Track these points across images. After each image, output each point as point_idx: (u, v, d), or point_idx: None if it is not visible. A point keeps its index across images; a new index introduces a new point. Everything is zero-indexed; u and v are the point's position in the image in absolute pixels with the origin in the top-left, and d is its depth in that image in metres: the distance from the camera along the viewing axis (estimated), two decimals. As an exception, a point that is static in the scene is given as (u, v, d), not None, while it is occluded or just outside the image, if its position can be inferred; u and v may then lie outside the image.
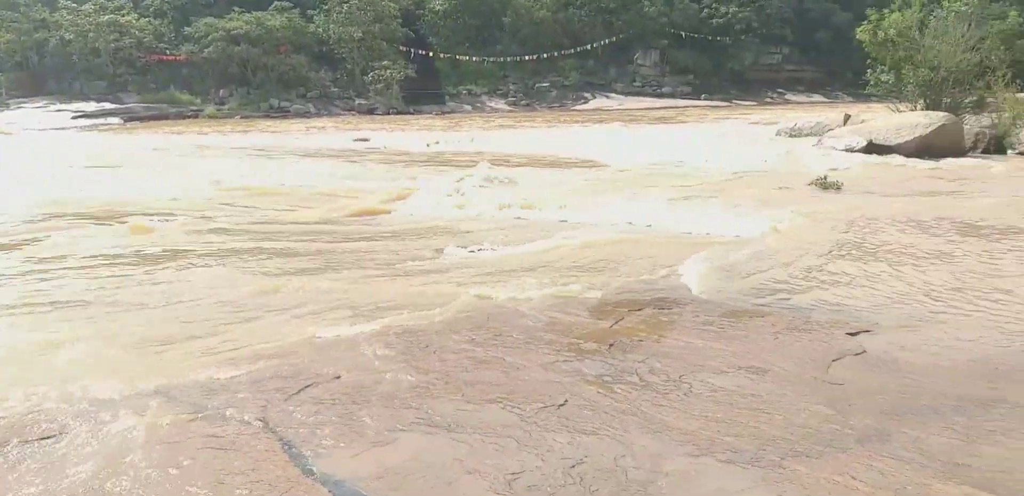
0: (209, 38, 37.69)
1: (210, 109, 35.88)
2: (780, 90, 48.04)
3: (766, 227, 7.16)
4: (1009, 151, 14.70)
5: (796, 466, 2.70)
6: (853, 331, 4.37)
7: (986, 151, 14.61)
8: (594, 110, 39.55)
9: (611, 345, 3.96)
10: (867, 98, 23.54)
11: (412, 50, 40.74)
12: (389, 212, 8.51)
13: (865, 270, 5.72)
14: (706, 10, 46.49)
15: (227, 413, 3.16)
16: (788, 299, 4.99)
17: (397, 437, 2.91)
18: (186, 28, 39.02)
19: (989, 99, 17.13)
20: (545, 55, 43.04)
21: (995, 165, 12.66)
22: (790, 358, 3.84)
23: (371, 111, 37.66)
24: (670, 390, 3.38)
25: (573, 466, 2.67)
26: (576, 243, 6.57)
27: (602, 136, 19.66)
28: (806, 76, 49.22)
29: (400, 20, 40.68)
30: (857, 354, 4.01)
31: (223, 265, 5.99)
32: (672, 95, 45.06)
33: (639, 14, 45.00)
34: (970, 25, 16.69)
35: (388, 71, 38.50)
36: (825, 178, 10.12)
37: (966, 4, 17.74)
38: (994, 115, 16.87)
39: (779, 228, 7.15)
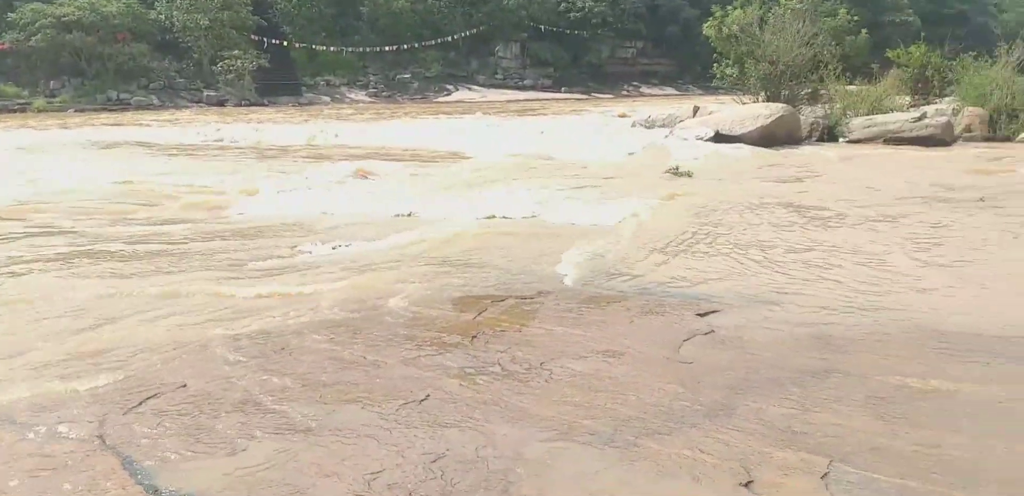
0: (37, 25, 34.52)
1: (39, 102, 32.94)
2: (635, 83, 49.92)
3: (627, 215, 7.42)
4: (840, 139, 15.94)
5: (649, 444, 2.80)
6: (703, 312, 4.59)
7: (820, 139, 15.79)
8: (457, 102, 39.52)
9: (474, 337, 3.97)
10: (715, 90, 24.86)
11: (265, 39, 39.06)
12: (242, 209, 8.13)
13: (716, 253, 6.04)
14: (563, 4, 47.47)
15: (59, 430, 2.92)
16: (644, 284, 5.18)
17: (249, 446, 2.78)
18: (10, 14, 35.56)
19: (822, 91, 18.50)
20: (405, 46, 42.53)
21: (829, 152, 13.68)
22: (644, 340, 3.99)
23: (221, 103, 35.82)
24: (531, 378, 3.42)
25: (434, 460, 2.65)
26: (441, 236, 6.54)
27: (468, 128, 19.70)
28: (659, 69, 51.42)
29: (251, 7, 38.90)
30: (706, 333, 4.21)
31: (56, 270, 5.53)
32: (534, 87, 45.77)
33: (498, 6, 45.36)
34: (804, 22, 17.90)
35: (239, 61, 36.72)
36: (677, 167, 10.60)
37: (800, 2, 19.05)
38: (827, 106, 18.25)
39: (638, 216, 7.41)
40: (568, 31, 47.14)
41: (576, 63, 48.21)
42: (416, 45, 43.12)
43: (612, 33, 48.44)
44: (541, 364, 3.58)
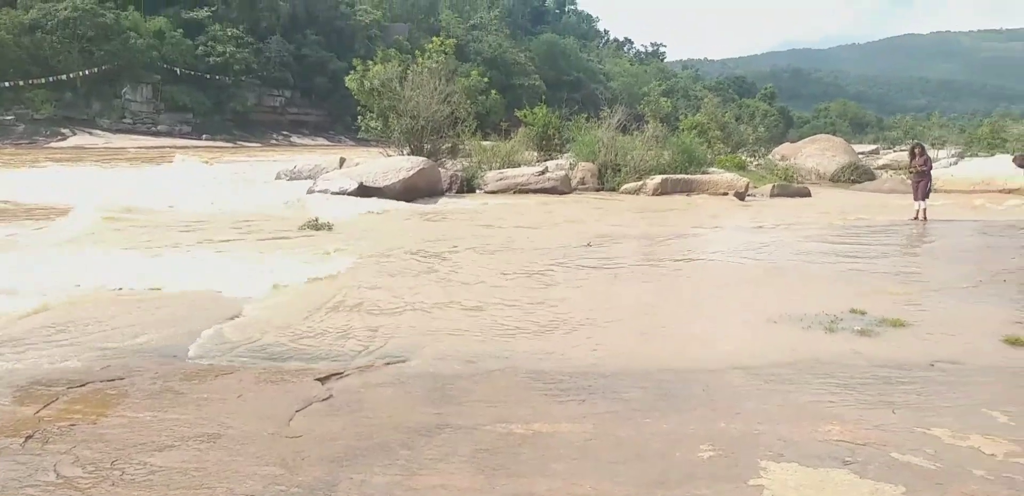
0: None
1: None
2: (285, 132, 49.02)
3: (258, 276, 6.92)
4: (478, 190, 17.12)
5: (228, 549, 2.43)
6: (324, 376, 4.34)
7: (460, 191, 16.78)
8: (74, 148, 34.94)
9: (29, 437, 3.23)
10: (367, 142, 25.27)
11: None
12: None
13: (350, 310, 5.85)
14: (202, 47, 45.16)
15: None
16: (266, 351, 4.80)
17: None
18: None
19: (461, 146, 19.78)
20: (8, 84, 36.71)
21: (468, 203, 14.54)
22: (251, 417, 3.61)
23: None
24: (96, 482, 2.84)
25: None
26: (11, 311, 5.45)
27: (80, 178, 17.38)
28: (310, 119, 51.24)
29: None
30: (324, 400, 3.96)
31: None
32: (170, 133, 42.38)
33: (124, 45, 41.53)
34: (441, 80, 19.00)
35: None
36: (317, 220, 10.37)
37: (436, 62, 20.28)
38: (465, 160, 19.53)
39: (273, 276, 6.94)
40: (208, 76, 44.81)
41: (220, 110, 45.91)
42: (21, 83, 37.35)
43: (258, 81, 47.23)
44: (113, 462, 3.01)
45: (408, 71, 19.33)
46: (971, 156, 25.01)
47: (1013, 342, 5.18)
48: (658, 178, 17.61)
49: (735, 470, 3.13)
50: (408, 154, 17.72)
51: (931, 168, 13.43)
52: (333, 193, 13.74)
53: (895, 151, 38.06)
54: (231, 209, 11.95)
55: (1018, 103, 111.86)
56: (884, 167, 27.57)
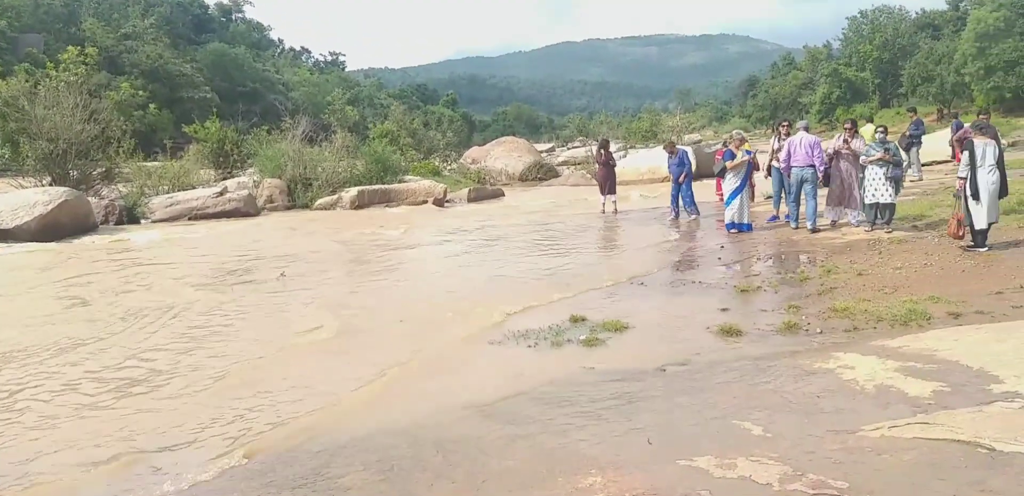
0: None
1: None
2: None
3: None
4: (143, 220, 14.70)
5: None
6: None
7: (120, 222, 14.28)
8: None
9: None
10: (3, 173, 20.87)
11: None
12: None
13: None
14: None
15: None
16: None
17: None
18: None
19: (118, 170, 16.95)
20: None
21: (127, 237, 12.25)
22: None
23: None
24: None
25: None
26: None
27: None
28: (-80, 150, 41.83)
29: None
30: None
31: None
32: None
33: None
34: (83, 95, 16.11)
35: None
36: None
37: (74, 74, 17.21)
38: (125, 186, 16.80)
39: None
40: None
41: None
42: None
43: None
44: None
45: (40, 86, 16.20)
46: (632, 149, 27.63)
47: (727, 332, 5.14)
48: (354, 190, 16.68)
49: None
50: (49, 184, 14.68)
51: (615, 164, 14.16)
52: (-61, 242, 10.72)
53: (568, 148, 41.17)
54: None
55: (659, 99, 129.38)
56: (564, 163, 29.43)
